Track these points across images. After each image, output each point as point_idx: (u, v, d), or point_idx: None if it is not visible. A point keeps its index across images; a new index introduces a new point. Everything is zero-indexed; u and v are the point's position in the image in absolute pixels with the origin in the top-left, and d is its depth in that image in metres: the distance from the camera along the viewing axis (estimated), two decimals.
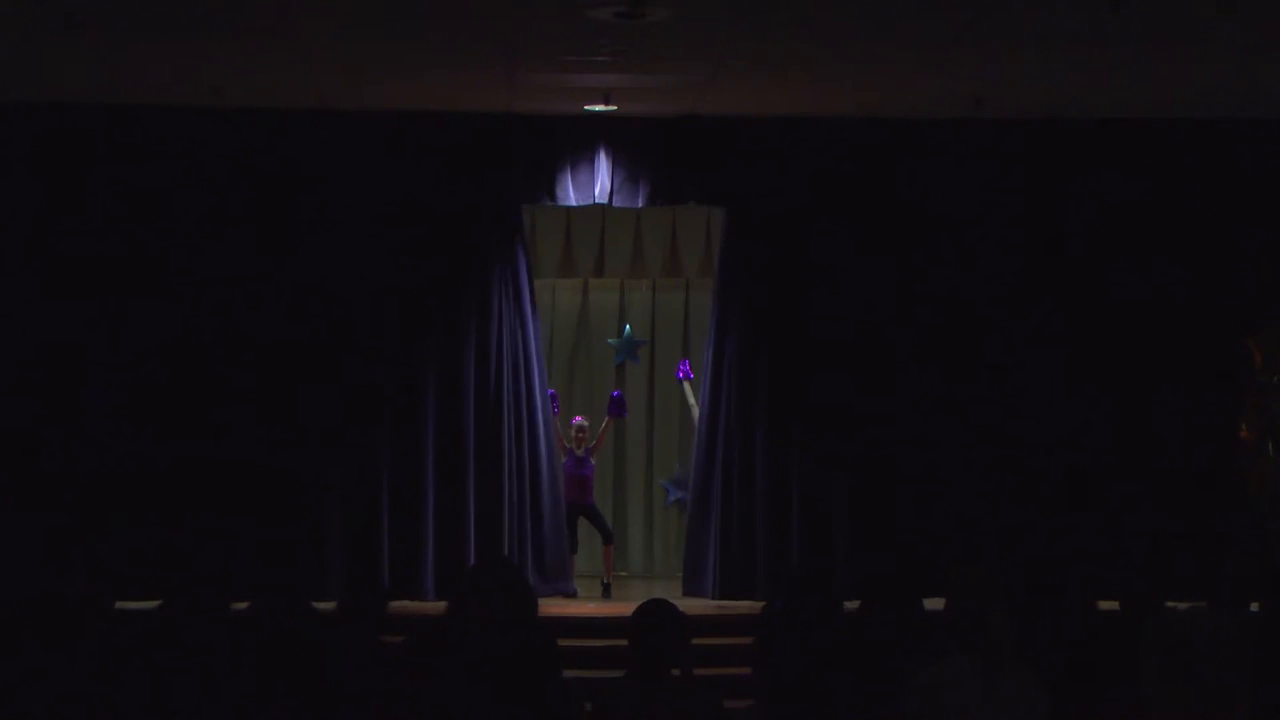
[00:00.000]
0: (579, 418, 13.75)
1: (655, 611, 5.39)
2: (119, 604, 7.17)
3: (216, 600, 5.80)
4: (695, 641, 6.37)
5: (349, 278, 12.94)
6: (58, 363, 12.64)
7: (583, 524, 13.65)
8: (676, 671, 5.46)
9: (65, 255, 12.74)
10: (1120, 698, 3.53)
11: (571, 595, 13.13)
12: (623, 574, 14.70)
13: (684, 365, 14.62)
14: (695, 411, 14.25)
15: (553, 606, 12.07)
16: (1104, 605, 6.44)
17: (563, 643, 6.77)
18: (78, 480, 12.39)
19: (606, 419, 13.86)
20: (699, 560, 13.26)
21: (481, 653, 4.17)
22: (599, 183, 13.14)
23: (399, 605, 11.89)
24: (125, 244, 12.79)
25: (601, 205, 13.44)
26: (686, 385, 14.40)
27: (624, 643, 5.42)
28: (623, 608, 7.59)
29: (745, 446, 13.17)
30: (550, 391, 14.12)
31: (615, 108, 12.59)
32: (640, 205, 13.53)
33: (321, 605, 5.75)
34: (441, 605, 7.63)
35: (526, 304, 13.32)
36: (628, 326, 15.55)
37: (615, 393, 14.17)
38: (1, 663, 5.09)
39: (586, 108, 12.68)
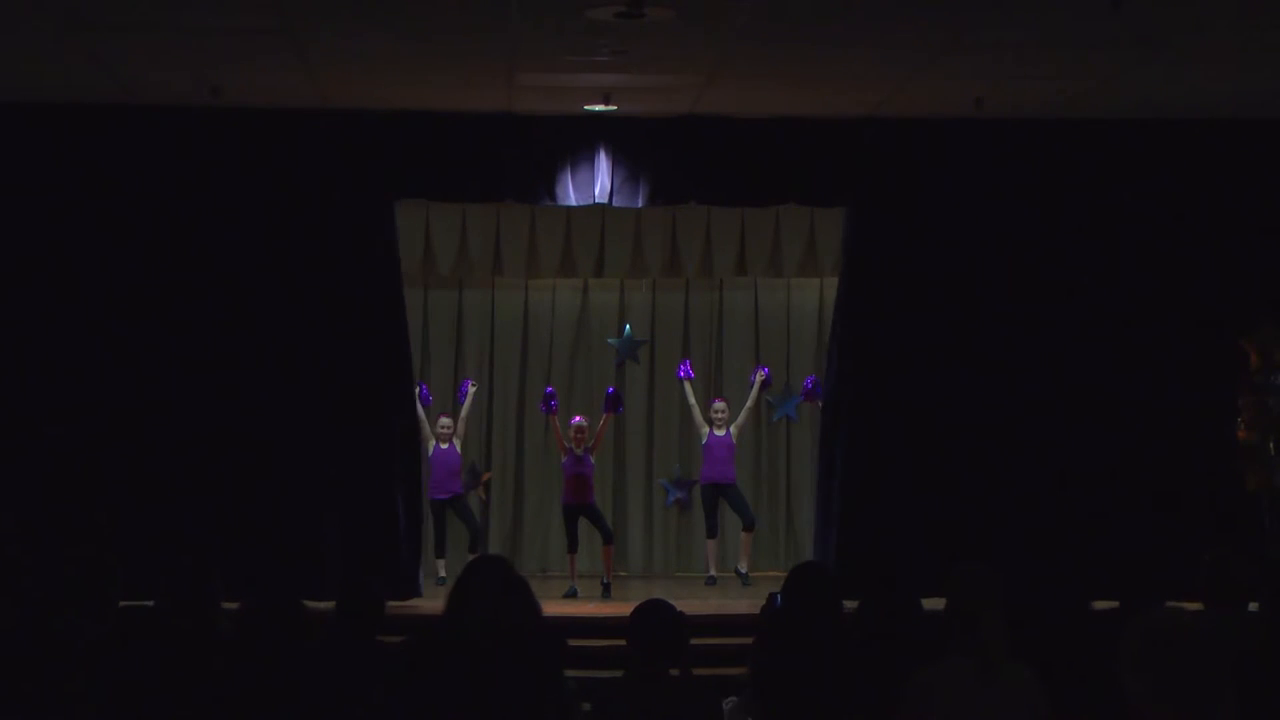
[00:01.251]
0: (578, 417, 13.75)
1: (654, 611, 5.39)
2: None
3: (210, 600, 5.81)
4: (695, 641, 6.36)
5: (329, 274, 12.95)
6: (52, 362, 12.64)
7: (583, 524, 13.66)
8: (676, 671, 5.47)
9: (64, 254, 12.75)
10: (1116, 698, 3.53)
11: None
12: (623, 574, 14.71)
13: (685, 365, 14.63)
14: (696, 411, 14.25)
15: (553, 606, 12.07)
16: (1103, 605, 6.44)
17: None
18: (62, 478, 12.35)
19: (603, 416, 13.87)
20: (823, 551, 13.20)
21: (482, 652, 4.17)
22: (599, 183, 13.14)
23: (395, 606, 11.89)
24: (127, 244, 12.81)
25: (601, 205, 13.45)
26: (687, 385, 14.41)
27: (624, 643, 5.43)
28: (623, 608, 7.59)
29: (863, 442, 13.14)
30: (549, 390, 14.15)
31: (615, 108, 12.59)
32: (640, 205, 13.54)
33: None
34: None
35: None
36: (628, 326, 15.56)
37: (610, 389, 14.18)
38: (2, 663, 5.10)
39: (586, 108, 12.68)
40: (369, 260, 13.01)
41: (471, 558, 12.78)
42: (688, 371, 14.52)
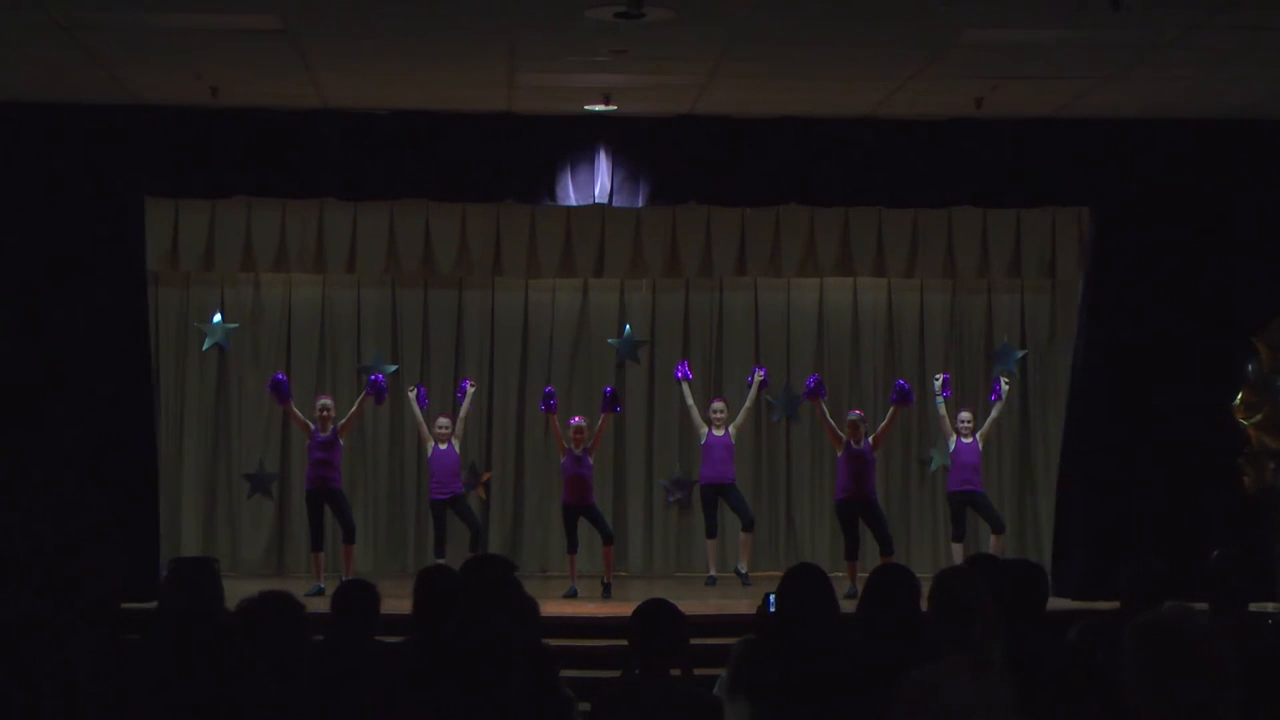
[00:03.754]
0: (577, 418, 13.73)
1: (655, 611, 5.39)
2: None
3: (205, 599, 5.80)
4: (695, 641, 6.36)
5: None
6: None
7: (583, 524, 13.65)
8: (676, 671, 5.46)
9: (62, 252, 12.76)
10: (1111, 699, 3.54)
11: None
12: (623, 574, 14.70)
13: (683, 366, 14.60)
14: (695, 412, 14.23)
15: (553, 606, 12.07)
16: (1105, 605, 6.45)
17: (563, 643, 6.79)
18: None
19: (601, 416, 13.84)
20: (1065, 556, 13.15)
21: (477, 654, 4.17)
22: (599, 183, 13.15)
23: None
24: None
25: (601, 205, 13.45)
26: (685, 386, 14.38)
27: (624, 643, 5.42)
28: (623, 608, 7.60)
29: (1111, 444, 13.14)
30: (548, 389, 14.13)
31: (615, 108, 12.60)
32: (640, 205, 13.55)
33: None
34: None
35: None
36: (628, 327, 15.56)
37: (607, 389, 14.15)
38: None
39: (586, 108, 12.69)
40: (113, 257, 12.82)
41: (469, 555, 12.92)
42: (686, 372, 14.49)
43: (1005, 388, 14.06)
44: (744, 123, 13.02)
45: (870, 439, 13.55)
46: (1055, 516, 13.59)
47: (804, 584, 5.59)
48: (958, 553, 13.82)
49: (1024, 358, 15.58)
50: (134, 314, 12.99)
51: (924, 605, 5.54)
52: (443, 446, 13.88)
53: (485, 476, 15.29)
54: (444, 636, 5.15)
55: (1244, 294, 12.98)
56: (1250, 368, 12.40)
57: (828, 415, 13.72)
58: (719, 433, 14.02)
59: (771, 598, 6.50)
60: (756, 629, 6.78)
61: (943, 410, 14.00)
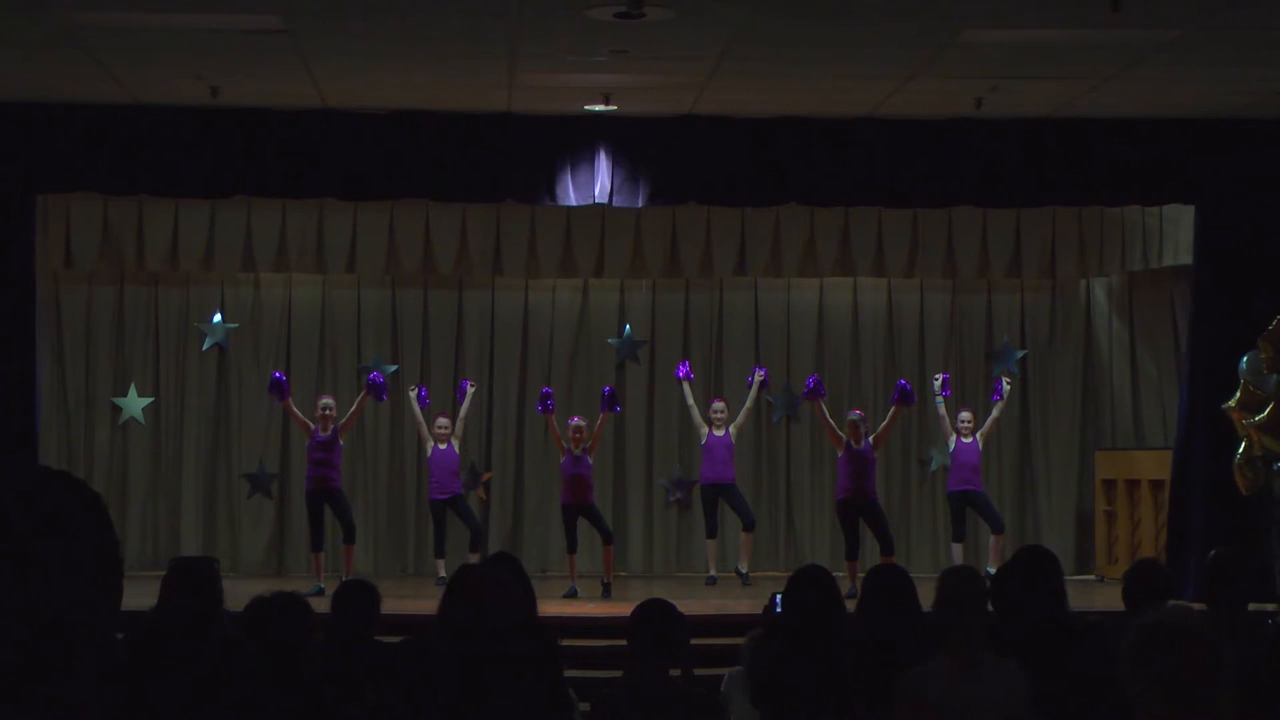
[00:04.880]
0: (576, 418, 13.73)
1: (655, 612, 5.39)
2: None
3: (205, 599, 5.80)
4: (695, 641, 6.36)
5: None
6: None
7: (583, 524, 13.65)
8: (676, 671, 5.46)
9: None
10: (1099, 693, 3.54)
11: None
12: (623, 574, 14.70)
13: (684, 366, 14.60)
14: (695, 412, 14.22)
15: (553, 606, 12.07)
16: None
17: (563, 643, 6.78)
18: None
19: (600, 416, 13.82)
20: (1181, 557, 13.14)
21: (477, 652, 4.17)
22: (599, 183, 13.15)
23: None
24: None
25: (601, 205, 13.45)
26: (686, 385, 14.38)
27: (624, 643, 5.42)
28: (623, 608, 7.59)
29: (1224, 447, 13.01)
30: (545, 390, 14.12)
31: (615, 108, 12.60)
32: (640, 205, 13.55)
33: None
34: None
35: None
36: (628, 327, 15.56)
37: (606, 389, 14.13)
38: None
39: (586, 108, 12.69)
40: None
41: (473, 558, 12.93)
42: (687, 372, 14.49)
43: (1007, 387, 14.07)
44: (744, 123, 13.02)
45: (871, 439, 13.55)
46: (1169, 517, 13.48)
47: (811, 586, 5.60)
48: (957, 553, 13.84)
49: (1024, 358, 15.60)
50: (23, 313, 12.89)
51: (923, 605, 5.55)
52: (442, 446, 13.88)
53: (485, 476, 15.29)
54: (444, 636, 5.14)
55: None
56: (1246, 365, 12.39)
57: (827, 415, 13.71)
58: (719, 433, 14.02)
59: (779, 598, 6.50)
60: (763, 627, 6.79)
61: (943, 410, 14.01)
